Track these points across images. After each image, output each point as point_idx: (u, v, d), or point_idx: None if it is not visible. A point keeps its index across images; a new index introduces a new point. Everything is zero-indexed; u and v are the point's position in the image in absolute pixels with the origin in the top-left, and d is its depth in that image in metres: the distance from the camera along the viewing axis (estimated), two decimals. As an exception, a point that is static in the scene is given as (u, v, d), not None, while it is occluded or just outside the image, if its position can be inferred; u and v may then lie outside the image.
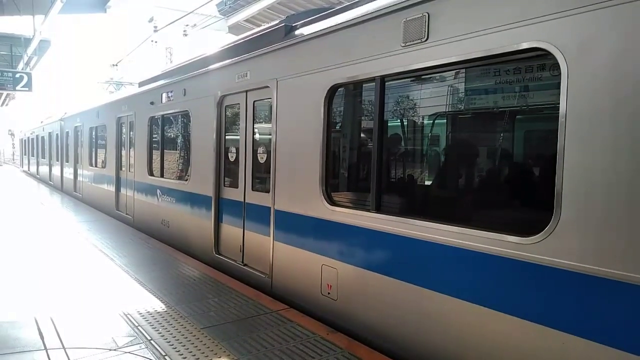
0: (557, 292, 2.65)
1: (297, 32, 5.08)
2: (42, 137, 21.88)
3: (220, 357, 3.59)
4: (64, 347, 3.72)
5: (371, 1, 4.10)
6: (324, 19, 4.78)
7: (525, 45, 2.82)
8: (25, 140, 30.96)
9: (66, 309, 4.58)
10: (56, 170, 18.68)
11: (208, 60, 6.97)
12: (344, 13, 4.46)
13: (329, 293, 4.40)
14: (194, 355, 3.63)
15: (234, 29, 18.67)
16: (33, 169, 26.16)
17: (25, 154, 31.71)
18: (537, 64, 2.93)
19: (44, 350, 3.65)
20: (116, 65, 23.13)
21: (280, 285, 5.12)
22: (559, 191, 2.63)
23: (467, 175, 3.68)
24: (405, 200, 4.06)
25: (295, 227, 4.87)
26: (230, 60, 6.14)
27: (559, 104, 2.66)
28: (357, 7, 4.37)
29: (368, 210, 3.95)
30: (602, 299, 2.47)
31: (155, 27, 17.75)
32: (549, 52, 2.70)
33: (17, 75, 16.14)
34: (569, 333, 2.60)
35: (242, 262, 5.91)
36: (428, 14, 3.43)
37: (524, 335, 2.81)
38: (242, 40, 6.31)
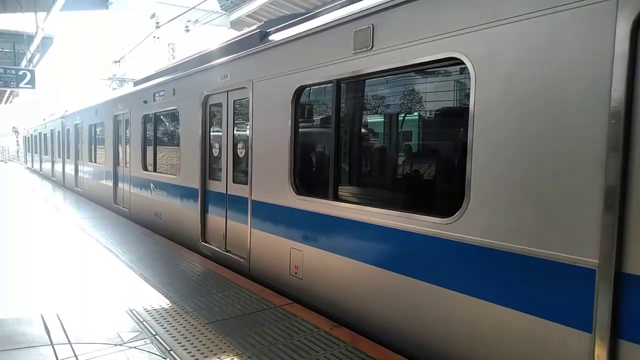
0: (468, 263, 3.16)
1: (270, 37, 5.53)
2: (45, 135, 21.99)
3: (224, 352, 3.62)
4: (70, 343, 3.75)
5: (340, 8, 4.57)
6: (293, 26, 5.23)
7: (444, 55, 3.29)
8: (28, 138, 31.10)
9: (72, 305, 4.62)
10: (58, 167, 18.85)
11: (195, 62, 7.44)
12: (310, 21, 4.91)
13: (296, 273, 4.91)
14: (199, 350, 3.65)
15: (236, 24, 18.63)
16: (36, 165, 26.28)
17: (28, 151, 31.84)
18: (457, 71, 3.37)
19: (50, 346, 3.68)
20: (118, 62, 23.13)
21: (257, 268, 5.65)
22: (469, 179, 3.13)
23: (402, 167, 4.13)
24: (356, 190, 4.48)
25: (268, 215, 5.38)
26: (214, 62, 6.60)
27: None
28: (320, 16, 4.87)
29: (327, 199, 4.43)
30: (503, 269, 2.95)
31: (157, 23, 17.72)
32: (462, 61, 3.17)
33: (20, 73, 16.19)
34: (477, 297, 3.11)
35: (225, 248, 6.42)
36: (373, 25, 3.89)
37: (441, 300, 3.36)
38: (225, 44, 6.75)
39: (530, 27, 2.78)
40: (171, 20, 16.37)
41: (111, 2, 17.89)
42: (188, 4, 15.89)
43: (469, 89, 3.13)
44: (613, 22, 2.42)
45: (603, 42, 2.46)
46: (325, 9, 4.96)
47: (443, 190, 3.73)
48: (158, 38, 19.73)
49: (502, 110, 2.94)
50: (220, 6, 18.65)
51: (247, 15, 18.01)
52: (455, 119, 3.55)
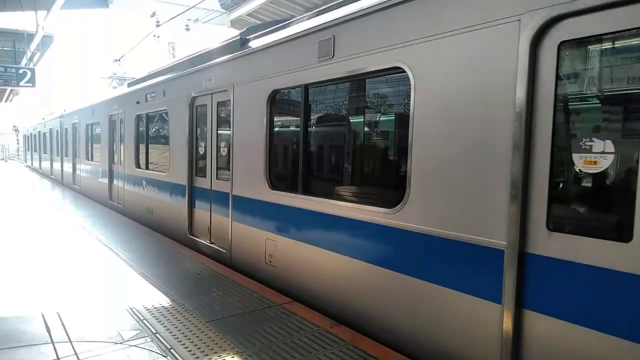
0: (408, 248, 3.60)
1: (250, 44, 5.89)
2: (44, 134, 22.07)
3: (225, 350, 3.62)
4: (70, 341, 3.76)
5: (310, 18, 4.91)
6: (270, 33, 5.57)
7: (390, 65, 3.72)
8: (28, 137, 31.15)
9: (72, 304, 4.62)
10: (57, 165, 19.00)
11: (184, 65, 7.85)
12: (284, 29, 5.27)
13: (270, 261, 5.30)
14: (199, 348, 3.66)
15: (236, 23, 18.60)
16: (36, 164, 26.32)
17: (28, 150, 31.87)
18: (404, 79, 3.67)
19: (51, 344, 3.69)
20: (119, 60, 23.09)
21: (237, 258, 6.05)
22: (409, 174, 3.55)
23: (360, 164, 4.53)
24: (321, 184, 4.85)
25: (247, 208, 5.80)
26: (200, 66, 7.00)
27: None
28: (293, 25, 5.22)
29: (297, 193, 4.84)
30: (435, 252, 3.38)
31: (158, 21, 17.70)
32: (404, 70, 3.57)
33: (21, 71, 16.18)
34: (416, 277, 3.54)
35: (210, 240, 6.83)
36: (334, 36, 4.30)
37: (389, 281, 3.78)
38: (210, 49, 7.12)
39: (455, 42, 3.21)
40: (171, 19, 16.36)
41: (111, 0, 17.88)
42: (188, 2, 15.86)
43: (410, 95, 3.56)
44: (516, 39, 2.82)
45: (509, 56, 2.87)
46: (297, 19, 5.35)
47: (391, 184, 4.12)
48: (158, 37, 19.69)
49: (434, 113, 3.36)
50: (221, 5, 18.63)
51: (248, 14, 17.97)
52: (400, 120, 3.93)
